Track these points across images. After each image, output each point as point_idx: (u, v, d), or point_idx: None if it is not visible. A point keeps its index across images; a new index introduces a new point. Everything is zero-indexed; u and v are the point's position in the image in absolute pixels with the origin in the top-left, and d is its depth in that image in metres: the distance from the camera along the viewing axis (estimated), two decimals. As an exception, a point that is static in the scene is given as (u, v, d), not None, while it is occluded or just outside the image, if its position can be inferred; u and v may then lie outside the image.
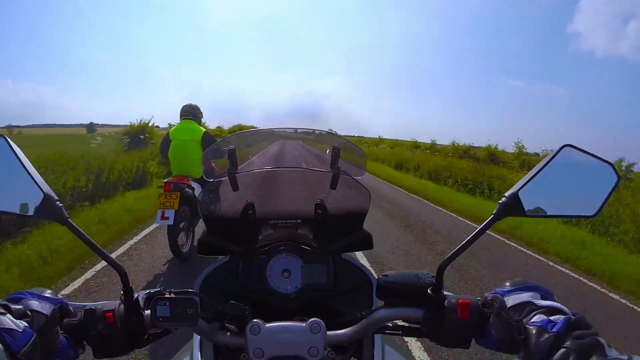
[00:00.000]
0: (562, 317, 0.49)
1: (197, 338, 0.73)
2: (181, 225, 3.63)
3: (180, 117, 3.94)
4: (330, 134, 0.87)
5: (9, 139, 0.60)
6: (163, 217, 3.33)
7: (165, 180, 3.61)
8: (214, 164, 0.84)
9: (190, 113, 3.91)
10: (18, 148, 0.60)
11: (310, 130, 0.92)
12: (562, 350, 0.46)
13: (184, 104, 3.97)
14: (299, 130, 0.94)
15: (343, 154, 0.75)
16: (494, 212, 0.60)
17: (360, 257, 4.28)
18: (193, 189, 3.63)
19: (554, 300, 0.55)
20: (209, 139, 3.82)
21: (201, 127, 3.88)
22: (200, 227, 4.16)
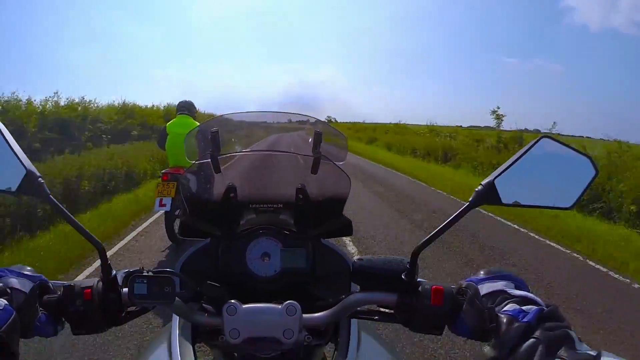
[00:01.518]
0: (534, 307, 0.50)
1: (176, 319, 0.73)
2: (177, 212, 3.90)
3: (177, 112, 4.27)
4: (314, 120, 0.87)
5: None
6: (161, 204, 3.67)
7: (163, 170, 3.95)
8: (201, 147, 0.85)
9: (186, 108, 4.22)
10: (2, 125, 0.60)
11: (296, 119, 0.92)
12: (532, 340, 0.46)
13: (180, 100, 4.32)
14: (290, 119, 0.94)
15: (325, 139, 0.75)
16: (470, 199, 0.61)
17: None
18: None
19: (528, 291, 0.55)
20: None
21: (196, 122, 4.17)
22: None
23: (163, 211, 3.77)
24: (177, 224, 3.91)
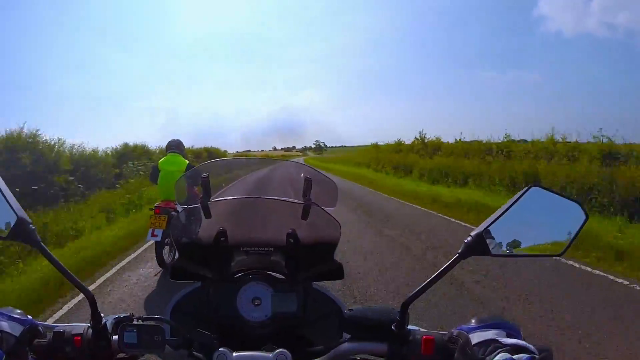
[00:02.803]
0: (525, 356, 0.49)
1: None
2: (166, 241, 4.32)
3: (167, 150, 4.80)
4: (302, 166, 0.88)
5: None
6: (153, 235, 4.09)
7: (155, 205, 4.39)
8: (196, 189, 0.85)
9: (175, 147, 4.71)
10: None
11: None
12: None
13: (170, 140, 4.82)
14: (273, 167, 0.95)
15: (315, 186, 0.76)
16: (459, 251, 0.61)
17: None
18: (178, 212, 3.97)
19: (520, 338, 0.55)
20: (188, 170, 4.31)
21: (185, 160, 4.69)
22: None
23: (154, 241, 4.16)
24: (165, 250, 4.39)
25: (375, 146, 26.47)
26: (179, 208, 4.08)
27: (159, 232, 4.07)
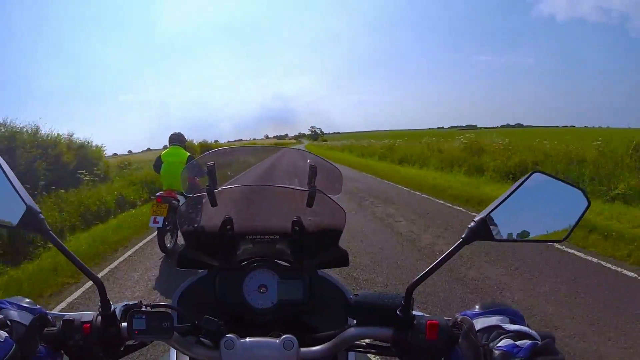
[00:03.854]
0: (528, 342, 0.50)
1: (173, 351, 0.74)
2: (167, 227, 4.69)
3: (169, 143, 5.08)
4: (307, 153, 0.88)
5: None
6: (154, 222, 4.43)
7: (157, 194, 4.73)
8: (197, 180, 0.86)
9: (177, 140, 5.04)
10: (2, 160, 0.62)
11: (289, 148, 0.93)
12: None
13: (172, 133, 5.12)
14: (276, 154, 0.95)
15: (320, 173, 0.76)
16: (463, 236, 0.61)
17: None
18: (178, 201, 4.68)
19: (524, 324, 0.56)
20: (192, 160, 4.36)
21: (186, 152, 5.01)
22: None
23: (156, 227, 4.50)
24: (167, 237, 4.79)
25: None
26: (180, 197, 4.30)
27: (160, 219, 4.41)
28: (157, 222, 4.40)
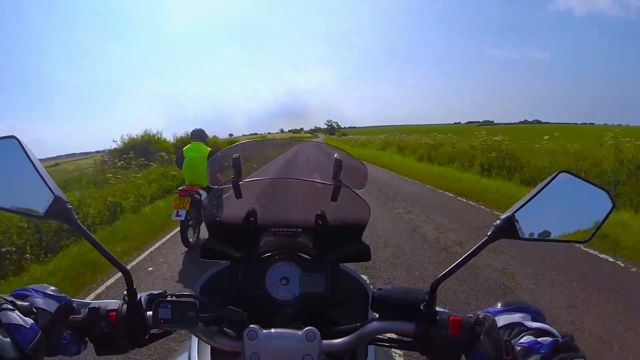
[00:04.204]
0: (549, 339, 0.51)
1: (194, 340, 0.75)
2: (190, 222, 4.77)
3: (191, 139, 5.28)
4: (333, 148, 0.88)
5: (21, 140, 0.61)
6: (177, 215, 4.56)
7: (180, 188, 4.90)
8: (219, 175, 0.87)
9: (198, 136, 5.22)
10: (30, 150, 0.62)
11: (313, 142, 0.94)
12: None
13: (193, 129, 5.32)
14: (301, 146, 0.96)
15: (345, 167, 0.77)
16: (488, 233, 0.62)
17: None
18: (200, 195, 4.81)
19: (544, 322, 0.56)
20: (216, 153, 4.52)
21: (207, 147, 5.15)
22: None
23: (179, 220, 4.62)
24: (190, 231, 4.83)
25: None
26: (202, 191, 4.45)
27: (182, 212, 4.55)
28: (180, 215, 4.55)
